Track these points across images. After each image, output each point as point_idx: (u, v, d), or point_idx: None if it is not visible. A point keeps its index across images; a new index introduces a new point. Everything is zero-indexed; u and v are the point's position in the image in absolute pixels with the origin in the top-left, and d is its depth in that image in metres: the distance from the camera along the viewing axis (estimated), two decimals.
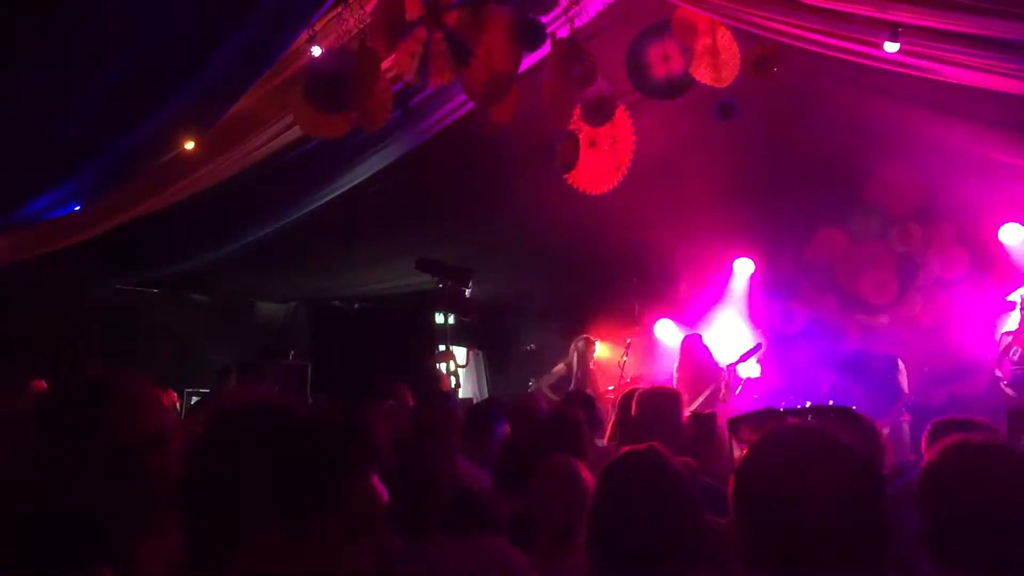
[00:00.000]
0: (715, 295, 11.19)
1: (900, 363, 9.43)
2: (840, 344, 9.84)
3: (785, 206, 9.61)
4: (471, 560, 2.16)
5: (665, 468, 2.23)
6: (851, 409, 3.17)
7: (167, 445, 1.69)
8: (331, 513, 1.49)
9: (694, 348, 9.28)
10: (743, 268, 11.16)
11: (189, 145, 6.92)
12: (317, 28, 6.28)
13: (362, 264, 11.26)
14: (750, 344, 9.66)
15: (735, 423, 2.99)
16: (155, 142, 6.58)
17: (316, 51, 6.27)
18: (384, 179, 8.75)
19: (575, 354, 10.57)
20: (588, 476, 2.93)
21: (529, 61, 6.89)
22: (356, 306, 13.32)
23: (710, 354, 9.23)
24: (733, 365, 8.98)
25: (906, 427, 9.18)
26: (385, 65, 6.32)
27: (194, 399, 9.87)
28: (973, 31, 5.26)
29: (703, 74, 6.84)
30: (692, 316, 10.85)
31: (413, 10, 6.02)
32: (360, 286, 12.34)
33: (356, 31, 6.30)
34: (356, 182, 8.74)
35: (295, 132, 7.18)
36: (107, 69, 5.22)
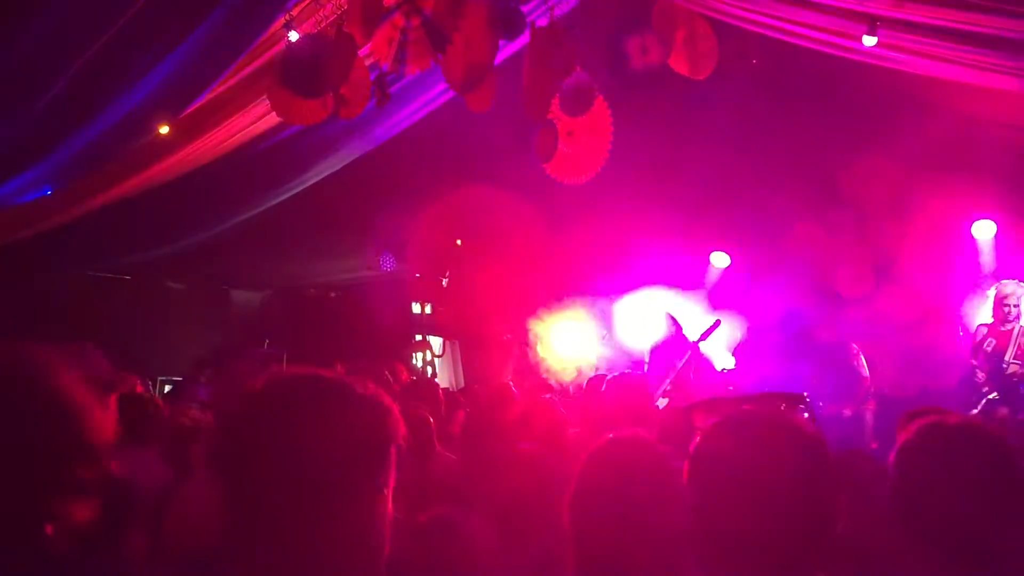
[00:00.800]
0: (691, 286, 11.26)
1: (855, 348, 9.56)
2: (815, 336, 9.92)
3: (763, 198, 9.64)
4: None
5: (652, 454, 2.21)
6: (803, 395, 3.19)
7: (62, 421, 1.59)
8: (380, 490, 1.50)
9: (666, 327, 9.46)
10: (719, 261, 11.23)
11: (163, 130, 6.85)
12: (294, 13, 6.21)
13: (338, 252, 11.20)
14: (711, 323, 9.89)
15: (691, 409, 2.99)
16: (128, 126, 6.49)
17: (293, 36, 6.21)
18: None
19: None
20: (555, 465, 2.94)
21: (509, 50, 6.88)
22: (332, 295, 13.25)
23: (681, 331, 9.37)
24: (695, 344, 9.16)
25: (869, 415, 9.30)
26: (363, 52, 6.27)
27: (167, 387, 9.80)
28: (951, 25, 5.28)
29: (681, 65, 6.83)
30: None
31: None
32: (336, 274, 12.27)
33: (333, 17, 6.24)
34: (333, 170, 8.69)
35: (272, 118, 7.11)
36: (75, 51, 5.14)
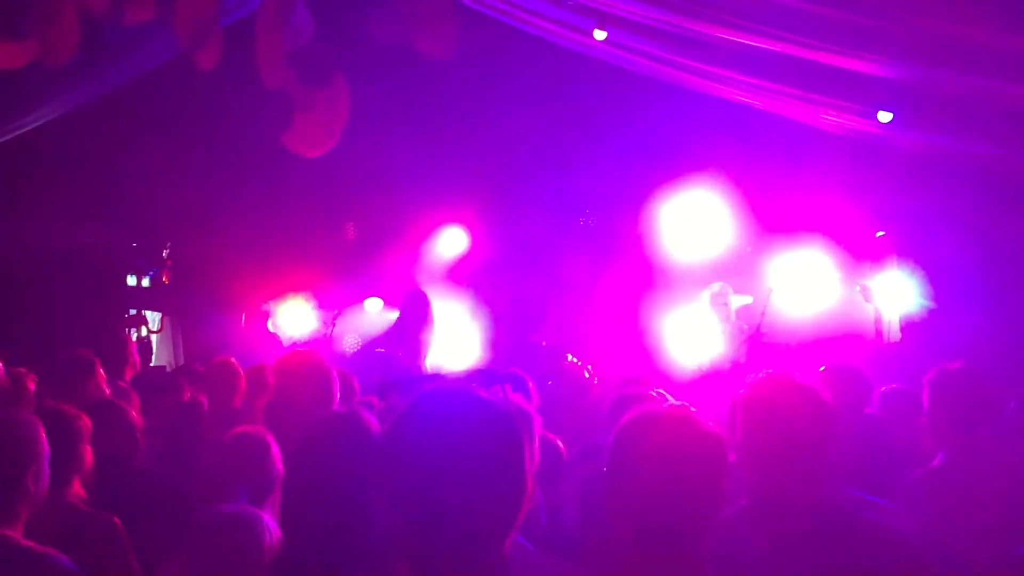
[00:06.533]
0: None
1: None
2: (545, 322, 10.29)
3: (508, 180, 9.82)
4: None
5: (359, 431, 2.15)
6: (522, 376, 3.26)
7: None
8: None
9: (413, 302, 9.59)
10: (455, 239, 11.22)
11: None
12: None
13: (41, 214, 10.12)
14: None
15: (385, 388, 3.00)
16: None
17: None
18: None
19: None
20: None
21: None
22: (32, 263, 11.99)
23: (428, 307, 9.51)
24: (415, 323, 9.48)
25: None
26: None
27: None
28: (670, 29, 5.61)
29: (424, 44, 6.81)
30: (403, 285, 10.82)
31: None
32: (36, 240, 11.10)
33: None
34: (37, 124, 7.84)
35: None
36: None
